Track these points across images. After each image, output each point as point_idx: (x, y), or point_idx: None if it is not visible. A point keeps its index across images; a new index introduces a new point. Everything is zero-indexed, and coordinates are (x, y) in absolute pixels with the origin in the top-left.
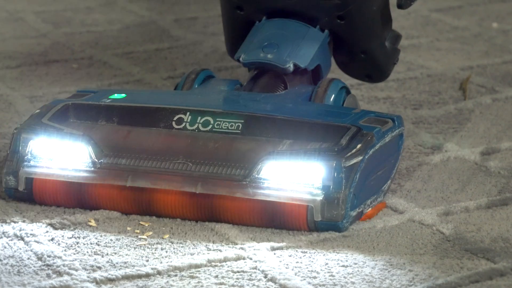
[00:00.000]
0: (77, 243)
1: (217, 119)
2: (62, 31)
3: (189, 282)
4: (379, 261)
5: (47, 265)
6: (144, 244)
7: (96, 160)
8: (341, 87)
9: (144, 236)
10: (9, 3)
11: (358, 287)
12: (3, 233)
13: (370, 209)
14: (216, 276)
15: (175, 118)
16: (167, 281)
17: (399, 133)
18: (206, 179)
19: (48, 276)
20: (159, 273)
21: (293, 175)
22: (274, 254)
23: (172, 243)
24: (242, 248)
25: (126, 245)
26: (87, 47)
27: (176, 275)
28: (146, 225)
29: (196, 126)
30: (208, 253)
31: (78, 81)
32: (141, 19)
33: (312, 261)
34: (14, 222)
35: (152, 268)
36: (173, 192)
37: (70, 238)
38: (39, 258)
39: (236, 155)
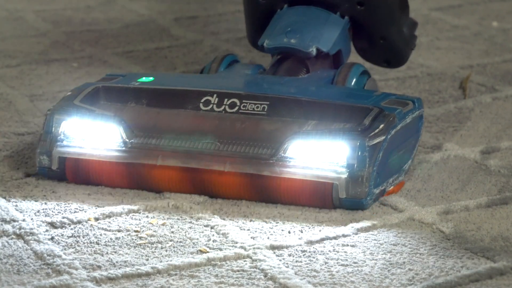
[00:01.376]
0: (77, 242)
1: (243, 101)
2: (62, 30)
3: (189, 281)
4: (378, 260)
5: (47, 264)
6: (144, 243)
7: (127, 140)
8: (362, 71)
9: (144, 235)
10: (9, 2)
11: (358, 286)
12: (3, 231)
13: (392, 187)
14: (216, 275)
15: (202, 100)
16: (167, 280)
17: (419, 114)
18: (234, 158)
19: (48, 275)
20: (159, 272)
21: (318, 154)
22: (274, 253)
23: (172, 242)
24: (242, 247)
25: (126, 244)
26: (87, 46)
27: (176, 274)
28: (153, 222)
29: (223, 107)
30: (208, 252)
31: (78, 80)
32: (141, 18)
33: (312, 260)
34: (14, 221)
35: (152, 267)
36: (202, 170)
37: (70, 237)
38: (39, 257)
39: (262, 135)
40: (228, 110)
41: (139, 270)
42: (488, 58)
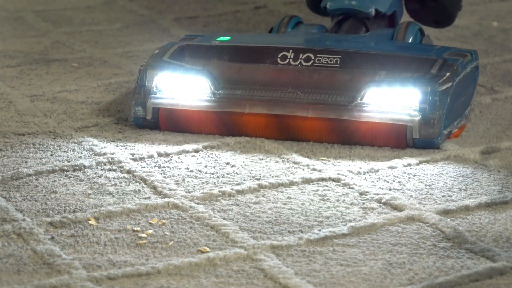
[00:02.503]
0: (77, 242)
1: (317, 55)
2: (62, 30)
3: (189, 281)
4: (378, 260)
5: (47, 264)
6: (144, 243)
7: (216, 91)
8: (418, 29)
9: (144, 235)
10: (9, 2)
11: (358, 286)
12: (3, 231)
13: (456, 129)
14: (216, 275)
15: (279, 55)
16: (167, 280)
17: (476, 65)
18: (315, 105)
19: (48, 275)
20: (159, 272)
21: (392, 100)
22: (274, 253)
23: (172, 241)
24: (242, 247)
25: (126, 244)
26: (87, 46)
27: (176, 274)
28: (153, 222)
29: (299, 61)
30: (208, 252)
31: (78, 80)
32: (141, 18)
33: (312, 260)
34: (14, 220)
35: (152, 267)
36: (287, 116)
37: (70, 237)
38: (39, 257)
39: (338, 85)
40: (303, 63)
41: (139, 270)
42: (488, 58)
